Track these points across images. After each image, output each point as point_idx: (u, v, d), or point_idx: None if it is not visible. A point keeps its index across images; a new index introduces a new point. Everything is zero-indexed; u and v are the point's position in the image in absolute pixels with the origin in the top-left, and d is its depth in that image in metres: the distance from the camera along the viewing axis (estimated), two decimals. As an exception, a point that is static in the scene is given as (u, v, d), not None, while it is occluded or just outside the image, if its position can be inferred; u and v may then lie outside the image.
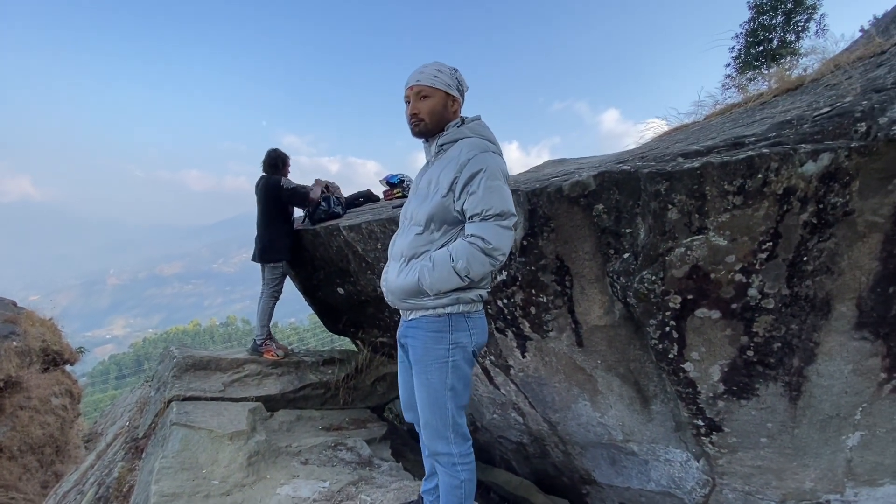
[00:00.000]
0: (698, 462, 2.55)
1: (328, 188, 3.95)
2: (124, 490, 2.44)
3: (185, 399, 2.84)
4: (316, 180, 4.01)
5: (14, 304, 7.09)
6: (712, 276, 1.63)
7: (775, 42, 12.13)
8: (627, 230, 1.74)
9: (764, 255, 1.54)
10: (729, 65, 13.23)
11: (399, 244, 1.60)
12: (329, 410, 3.61)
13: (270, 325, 3.82)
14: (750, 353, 1.75)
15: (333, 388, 3.76)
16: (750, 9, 12.16)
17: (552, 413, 3.12)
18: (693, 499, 2.71)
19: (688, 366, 1.92)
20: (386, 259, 3.29)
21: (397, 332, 1.69)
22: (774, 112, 2.20)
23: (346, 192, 4.54)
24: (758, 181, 1.42)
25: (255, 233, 3.75)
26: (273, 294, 3.65)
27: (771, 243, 1.52)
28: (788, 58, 12.03)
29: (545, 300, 2.30)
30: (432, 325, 1.50)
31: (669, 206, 1.57)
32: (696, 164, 1.48)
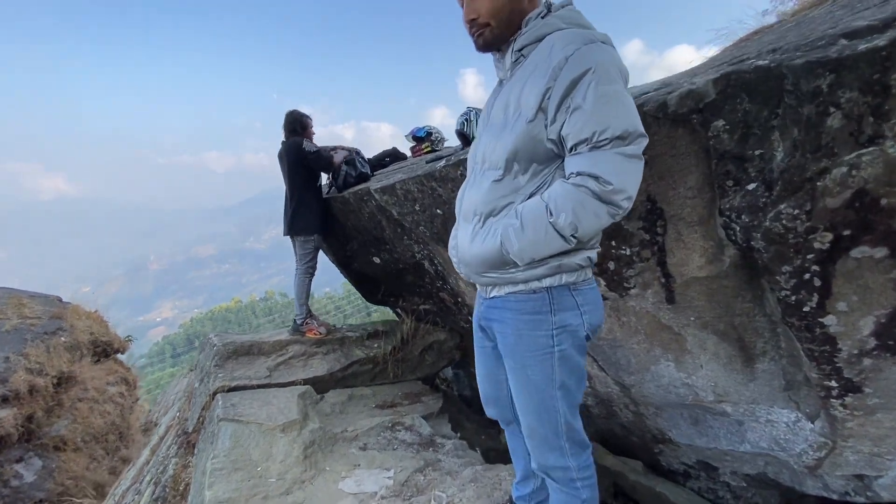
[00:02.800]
0: (813, 423, 2.20)
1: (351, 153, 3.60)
2: (181, 489, 2.31)
3: (231, 390, 2.67)
4: (339, 146, 3.67)
5: (59, 299, 7.22)
6: (884, 201, 1.20)
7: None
8: (757, 152, 1.31)
9: (970, 166, 1.10)
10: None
11: (470, 198, 1.19)
12: (380, 386, 3.42)
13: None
14: (924, 298, 1.34)
15: (381, 362, 3.55)
16: None
17: (626, 376, 2.80)
18: (803, 461, 2.38)
19: (829, 319, 1.53)
20: (426, 221, 2.95)
21: (474, 313, 1.34)
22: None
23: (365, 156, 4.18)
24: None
25: (280, 207, 3.47)
26: (307, 270, 3.40)
27: (984, 148, 1.07)
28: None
29: (628, 252, 1.92)
30: (526, 305, 1.13)
31: (831, 110, 1.13)
32: (881, 43, 1.03)
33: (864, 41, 1.08)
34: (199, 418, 2.65)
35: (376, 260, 4.01)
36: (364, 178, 3.44)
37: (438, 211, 2.64)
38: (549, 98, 1.00)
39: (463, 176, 2.27)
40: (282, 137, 3.48)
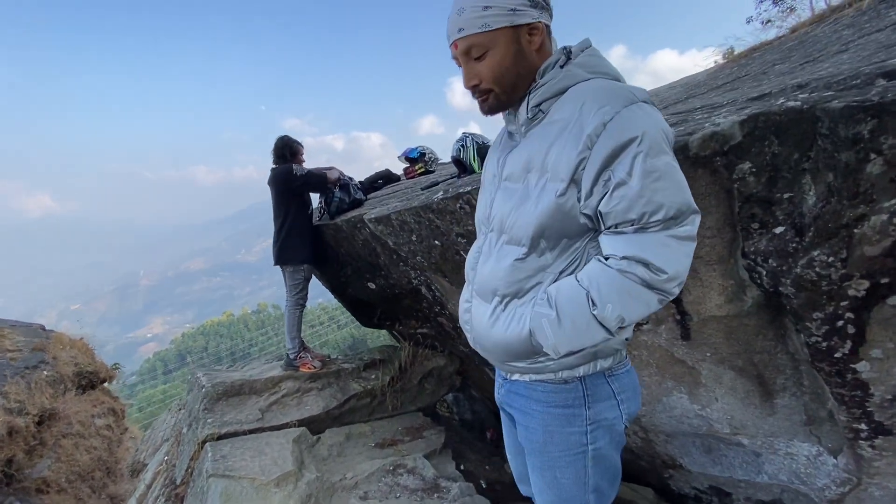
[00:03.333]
0: (835, 458, 2.10)
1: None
2: (168, 551, 2.15)
3: (221, 437, 2.51)
4: (332, 167, 3.55)
5: (42, 327, 6.96)
6: (928, 249, 1.11)
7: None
8: (786, 195, 1.22)
9: None
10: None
11: (486, 274, 1.02)
12: (378, 421, 3.28)
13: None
14: (966, 345, 1.25)
15: (380, 394, 3.41)
16: None
17: (637, 407, 2.69)
18: (825, 496, 2.27)
19: (861, 366, 1.43)
20: (423, 251, 2.83)
21: (495, 394, 1.19)
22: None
23: (357, 169, 4.08)
24: None
25: (270, 219, 3.34)
26: (298, 301, 3.26)
27: None
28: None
29: (641, 290, 1.82)
30: (556, 398, 0.98)
31: (872, 157, 1.04)
32: (934, 85, 0.94)
33: (907, 82, 0.99)
34: (187, 469, 2.49)
35: (371, 286, 3.88)
36: (357, 203, 3.32)
37: (436, 242, 2.52)
38: (583, 169, 0.85)
39: (463, 210, 2.16)
40: (270, 151, 3.34)
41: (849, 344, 1.38)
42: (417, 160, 3.99)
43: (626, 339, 1.01)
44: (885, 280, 1.20)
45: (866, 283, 1.22)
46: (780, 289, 1.38)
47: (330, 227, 3.43)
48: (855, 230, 1.14)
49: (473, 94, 0.97)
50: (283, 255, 3.20)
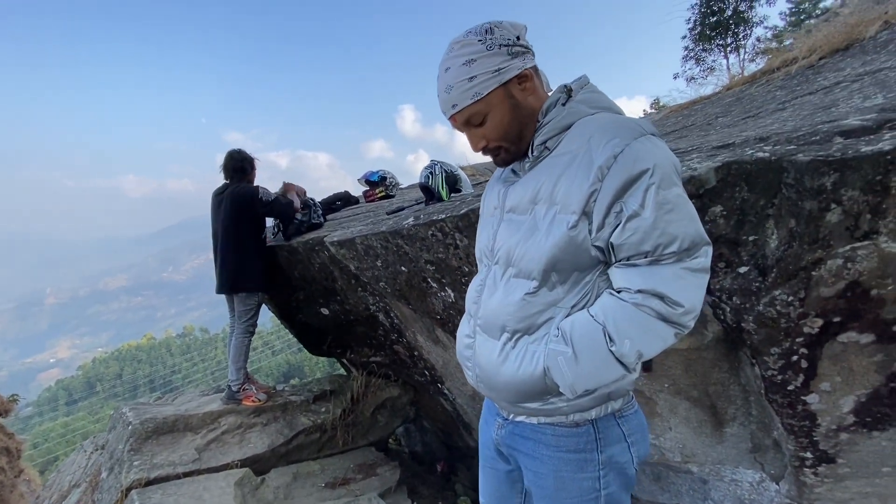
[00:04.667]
0: (777, 484, 2.23)
1: (302, 194, 3.34)
2: None
3: (150, 482, 2.22)
4: (285, 184, 3.38)
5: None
6: (874, 292, 1.22)
7: (729, 11, 12.26)
8: (751, 238, 1.31)
9: (954, 262, 1.14)
10: (685, 36, 13.30)
11: (493, 308, 0.99)
12: (328, 458, 3.07)
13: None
14: (902, 380, 1.38)
15: (330, 428, 3.21)
16: (702, -22, 12.19)
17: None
18: (767, 521, 2.40)
19: (811, 398, 1.54)
20: (387, 277, 2.75)
21: (486, 430, 1.14)
22: (861, 70, 1.82)
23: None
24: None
25: (204, 236, 3.11)
26: (248, 329, 3.03)
27: (968, 245, 1.12)
28: (742, 26, 12.19)
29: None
30: (567, 442, 0.95)
31: (832, 206, 1.14)
32: (887, 147, 1.05)
33: (863, 142, 1.11)
34: (106, 522, 2.17)
35: (325, 311, 3.71)
36: (316, 226, 3.19)
37: (403, 268, 2.46)
38: (594, 201, 0.84)
39: (434, 237, 2.12)
40: (215, 170, 3.15)
41: (801, 377, 1.48)
42: (378, 184, 3.94)
43: (636, 378, 1.00)
44: (836, 319, 1.30)
45: (820, 321, 1.32)
46: (743, 325, 1.46)
47: (284, 248, 3.26)
48: (813, 272, 1.24)
49: (484, 153, 0.98)
50: (239, 282, 2.96)
